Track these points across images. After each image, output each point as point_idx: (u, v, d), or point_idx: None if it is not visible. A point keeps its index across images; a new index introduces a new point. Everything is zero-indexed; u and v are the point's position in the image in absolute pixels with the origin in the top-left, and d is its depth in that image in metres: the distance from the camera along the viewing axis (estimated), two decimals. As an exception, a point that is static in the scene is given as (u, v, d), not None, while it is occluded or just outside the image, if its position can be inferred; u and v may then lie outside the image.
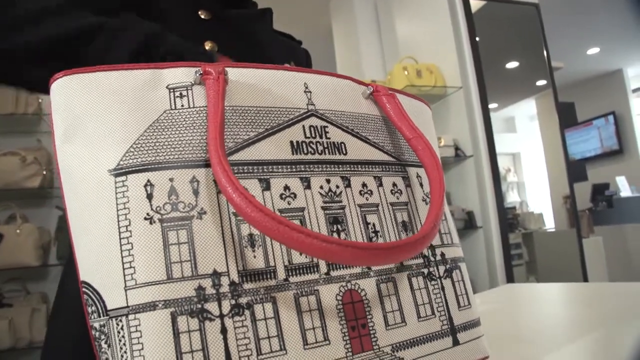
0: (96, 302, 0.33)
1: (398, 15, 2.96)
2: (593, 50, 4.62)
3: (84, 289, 0.34)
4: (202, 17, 0.67)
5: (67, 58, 0.54)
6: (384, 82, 2.70)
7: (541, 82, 3.13)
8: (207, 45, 0.64)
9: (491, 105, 3.14)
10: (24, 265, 2.08)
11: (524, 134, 4.25)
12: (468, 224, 2.48)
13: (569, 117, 3.54)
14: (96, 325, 0.33)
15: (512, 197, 4.23)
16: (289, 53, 0.77)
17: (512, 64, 3.50)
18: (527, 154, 4.27)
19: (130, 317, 0.31)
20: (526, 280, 3.30)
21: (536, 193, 4.00)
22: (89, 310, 0.33)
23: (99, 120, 0.34)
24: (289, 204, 0.36)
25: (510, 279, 2.36)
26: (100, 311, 0.32)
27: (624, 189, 4.25)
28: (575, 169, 3.27)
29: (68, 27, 0.54)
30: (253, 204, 0.28)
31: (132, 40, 0.54)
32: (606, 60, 4.85)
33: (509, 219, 3.53)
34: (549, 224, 3.56)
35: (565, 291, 0.98)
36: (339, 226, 0.37)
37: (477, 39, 2.50)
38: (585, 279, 2.67)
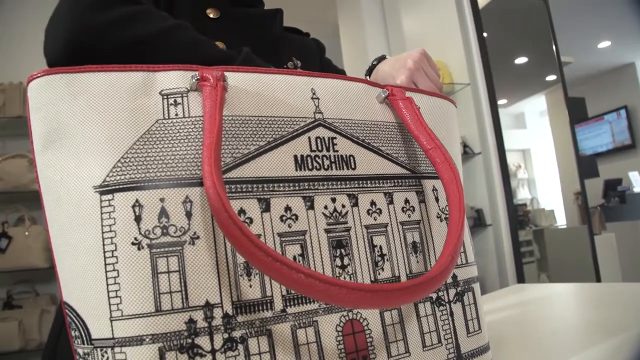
0: (80, 327, 0.30)
1: (404, 11, 2.91)
2: (604, 44, 4.54)
3: (67, 310, 0.31)
4: (211, 15, 0.64)
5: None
6: (391, 78, 2.65)
7: (551, 77, 3.07)
8: (219, 45, 0.61)
9: (500, 101, 3.10)
10: (33, 267, 2.08)
11: (534, 130, 4.19)
12: (477, 222, 2.43)
13: (579, 112, 3.48)
14: (80, 351, 0.30)
15: (522, 194, 4.17)
16: (295, 51, 0.74)
17: (521, 59, 3.43)
18: (537, 150, 4.21)
19: (117, 349, 0.28)
20: (537, 278, 3.26)
21: (547, 189, 3.95)
22: (73, 333, 0.30)
23: (85, 129, 0.31)
24: (289, 226, 0.32)
25: (520, 277, 2.32)
26: (85, 338, 0.29)
27: (637, 185, 4.18)
28: (586, 165, 3.21)
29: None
30: (248, 237, 0.25)
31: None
32: (618, 54, 4.76)
33: (520, 215, 3.48)
34: (561, 221, 3.51)
35: (578, 292, 0.95)
36: (342, 250, 0.34)
37: (485, 34, 2.45)
38: (598, 277, 2.62)
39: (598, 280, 2.57)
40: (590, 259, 2.69)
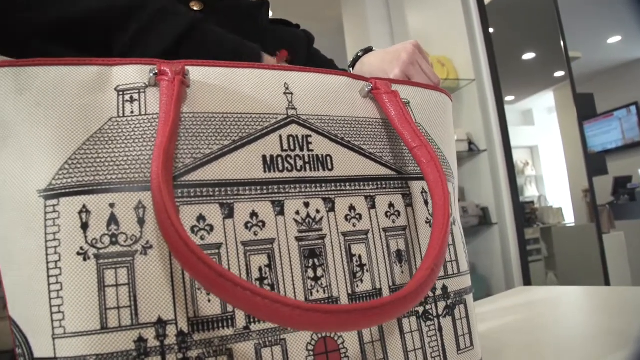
0: (23, 345, 0.27)
1: (409, 7, 2.87)
2: (614, 39, 4.45)
3: (12, 326, 0.28)
4: (195, 8, 0.61)
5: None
6: (396, 75, 2.61)
7: (559, 73, 3.01)
8: None
9: (508, 98, 3.05)
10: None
11: (542, 127, 4.14)
12: (483, 221, 2.39)
13: (588, 109, 3.41)
14: None
15: (530, 191, 4.13)
16: (284, 42, 0.71)
17: (528, 55, 3.38)
18: (545, 146, 4.16)
19: (60, 370, 0.26)
20: (545, 277, 3.22)
21: (555, 187, 3.90)
22: (17, 351, 0.28)
23: (30, 128, 0.28)
24: (255, 234, 0.30)
25: (526, 277, 2.27)
26: (26, 358, 0.27)
27: (647, 182, 4.10)
28: (595, 163, 3.15)
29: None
30: (188, 246, 0.22)
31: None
32: (628, 49, 4.68)
33: (527, 213, 3.44)
34: (569, 219, 3.46)
35: (585, 296, 0.91)
36: (315, 260, 0.31)
37: (492, 30, 2.40)
38: (607, 276, 2.57)
39: (606, 280, 2.52)
40: (599, 258, 2.64)
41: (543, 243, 3.33)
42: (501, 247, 2.36)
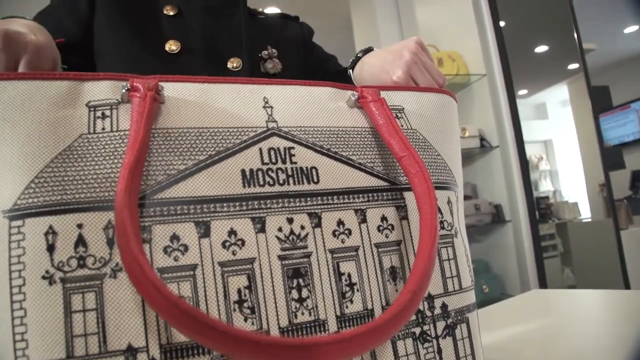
0: (-12, 376, 0.26)
1: (418, 1, 2.83)
2: (631, 29, 4.35)
3: None
4: (170, 13, 0.60)
5: None
6: (405, 71, 2.58)
7: (573, 66, 2.95)
8: (173, 45, 0.58)
9: (520, 92, 2.99)
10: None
11: (556, 121, 4.06)
12: (496, 219, 2.35)
13: (603, 102, 3.34)
14: None
15: (545, 186, 4.06)
16: (271, 37, 0.70)
17: (541, 48, 3.31)
18: (560, 141, 4.08)
19: (24, 403, 0.24)
20: (561, 273, 3.16)
21: (570, 181, 3.83)
22: None
23: None
24: (233, 254, 0.28)
25: (542, 276, 2.23)
26: (-8, 389, 0.26)
27: (666, 176, 4.01)
28: (611, 157, 3.08)
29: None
30: (143, 270, 0.20)
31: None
32: (645, 39, 4.57)
33: (542, 208, 3.38)
34: (585, 214, 3.40)
35: (603, 301, 0.88)
36: (300, 280, 0.29)
37: (503, 23, 2.35)
38: (625, 274, 2.51)
39: (625, 278, 2.46)
40: (616, 254, 2.59)
41: (559, 239, 3.28)
42: (515, 245, 2.32)
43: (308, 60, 0.74)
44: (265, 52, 0.66)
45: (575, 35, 2.64)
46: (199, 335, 0.19)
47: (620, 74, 4.88)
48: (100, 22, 0.59)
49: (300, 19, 0.79)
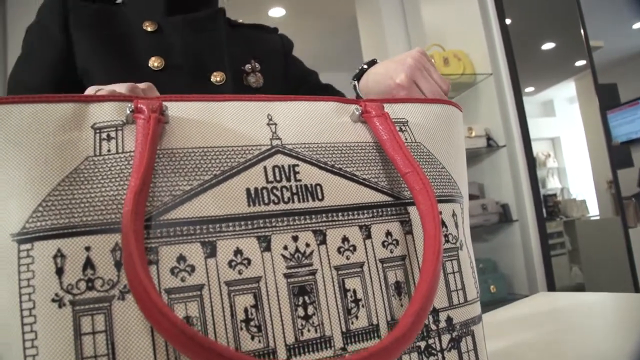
0: (2, 396, 0.26)
1: (424, 1, 2.82)
2: (639, 25, 4.32)
3: None
4: (148, 29, 0.61)
5: None
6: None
7: (580, 62, 2.93)
8: (156, 62, 0.58)
9: (527, 89, 2.97)
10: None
11: (563, 118, 4.04)
12: (503, 218, 2.34)
13: (611, 99, 3.32)
14: None
15: (552, 184, 4.04)
16: (251, 50, 0.70)
17: (548, 45, 3.29)
18: (567, 138, 4.06)
19: (36, 423, 0.25)
20: (569, 271, 3.15)
21: (578, 179, 3.81)
22: None
23: (3, 168, 0.27)
24: (239, 273, 0.28)
25: (549, 276, 2.22)
26: (5, 410, 0.26)
27: (675, 173, 3.97)
28: (619, 154, 3.06)
29: None
30: (148, 294, 0.20)
31: None
32: (654, 34, 4.53)
33: (550, 206, 3.37)
34: (593, 211, 3.37)
35: (612, 305, 0.87)
36: (305, 298, 0.29)
37: (509, 21, 2.34)
38: (634, 272, 2.49)
39: (633, 276, 2.45)
40: (624, 253, 2.57)
41: (567, 236, 3.26)
42: (522, 245, 2.31)
43: (288, 73, 0.75)
44: (249, 65, 0.67)
45: (582, 32, 2.62)
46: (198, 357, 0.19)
47: (628, 70, 4.84)
48: (80, 43, 0.60)
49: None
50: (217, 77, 0.63)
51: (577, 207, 3.48)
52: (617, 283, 2.62)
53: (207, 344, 0.19)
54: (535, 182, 2.29)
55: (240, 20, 0.76)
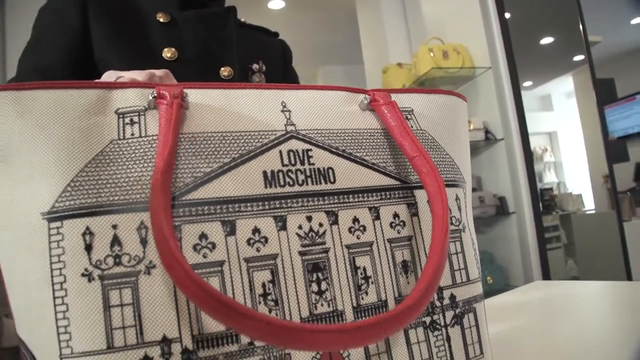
0: (32, 364, 0.28)
1: (423, -7, 2.83)
2: (637, 20, 4.33)
3: (20, 345, 0.29)
4: (161, 20, 0.62)
5: None
6: (410, 65, 2.59)
7: (579, 57, 2.94)
8: (168, 52, 0.60)
9: (525, 84, 2.99)
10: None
11: (561, 112, 4.05)
12: (500, 210, 2.37)
13: (608, 94, 3.34)
14: None
15: (549, 178, 4.06)
16: (258, 50, 0.73)
17: (546, 40, 3.30)
18: (564, 132, 4.08)
19: (69, 388, 0.26)
20: (564, 264, 3.18)
21: (575, 173, 3.83)
22: None
23: (33, 150, 0.29)
24: (257, 250, 0.30)
25: (545, 267, 2.25)
26: (37, 377, 0.28)
27: (671, 168, 4.00)
28: (615, 149, 3.09)
29: None
30: (183, 268, 0.22)
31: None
32: (651, 30, 4.54)
33: (546, 200, 3.39)
34: (589, 205, 3.40)
35: (606, 293, 0.89)
36: (319, 274, 0.31)
37: (508, 15, 2.35)
38: (627, 266, 2.53)
39: (627, 269, 2.48)
40: (619, 246, 2.60)
41: (562, 230, 3.29)
42: (519, 237, 2.34)
43: (285, 81, 0.77)
44: (256, 65, 0.69)
45: (581, 26, 2.64)
46: (241, 326, 0.21)
47: (626, 65, 4.85)
48: (97, 31, 0.62)
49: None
50: (225, 72, 0.65)
51: (573, 201, 3.50)
52: (611, 276, 2.65)
53: (242, 310, 0.21)
54: (532, 176, 2.32)
55: (243, 20, 0.78)
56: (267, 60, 0.73)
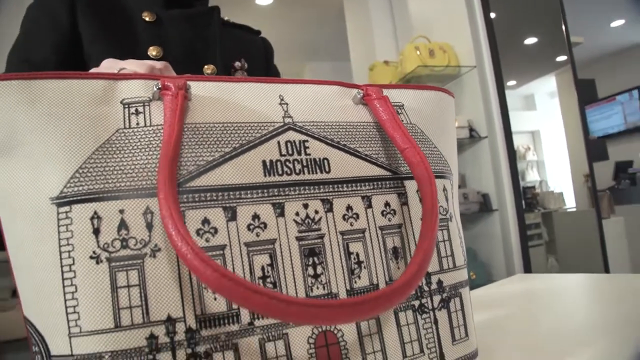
0: (39, 343, 0.29)
1: (411, -9, 2.85)
2: (618, 23, 4.42)
3: (27, 326, 0.30)
4: (147, 19, 0.63)
5: None
6: (397, 62, 2.62)
7: (561, 58, 3.00)
8: (154, 51, 0.61)
9: (509, 83, 3.04)
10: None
11: (544, 112, 4.13)
12: (483, 207, 2.41)
13: (589, 94, 3.41)
14: None
15: (531, 176, 4.13)
16: (241, 49, 0.75)
17: (530, 40, 3.36)
18: (547, 131, 4.15)
19: (77, 366, 0.28)
20: (546, 261, 3.24)
21: (556, 172, 3.90)
22: (33, 349, 0.30)
23: (42, 137, 0.30)
24: (257, 235, 0.31)
25: (527, 263, 2.30)
26: (44, 355, 0.29)
27: (648, 167, 4.11)
28: (596, 148, 3.16)
29: None
30: (198, 256, 0.23)
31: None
32: (632, 33, 4.64)
33: (528, 198, 3.45)
34: (570, 204, 3.47)
35: (584, 284, 0.93)
36: (315, 259, 0.33)
37: (493, 15, 2.39)
38: (605, 261, 2.59)
39: (605, 265, 2.54)
40: (598, 243, 2.66)
41: (544, 228, 3.35)
42: (502, 234, 2.39)
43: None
44: (238, 63, 0.71)
45: (564, 28, 2.69)
46: (247, 301, 0.22)
47: (606, 66, 4.95)
48: (85, 29, 0.63)
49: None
50: (208, 70, 0.67)
51: (554, 199, 3.57)
52: (590, 271, 2.71)
53: (247, 285, 0.22)
54: (515, 174, 2.36)
55: (227, 18, 0.80)
56: (250, 58, 0.75)
